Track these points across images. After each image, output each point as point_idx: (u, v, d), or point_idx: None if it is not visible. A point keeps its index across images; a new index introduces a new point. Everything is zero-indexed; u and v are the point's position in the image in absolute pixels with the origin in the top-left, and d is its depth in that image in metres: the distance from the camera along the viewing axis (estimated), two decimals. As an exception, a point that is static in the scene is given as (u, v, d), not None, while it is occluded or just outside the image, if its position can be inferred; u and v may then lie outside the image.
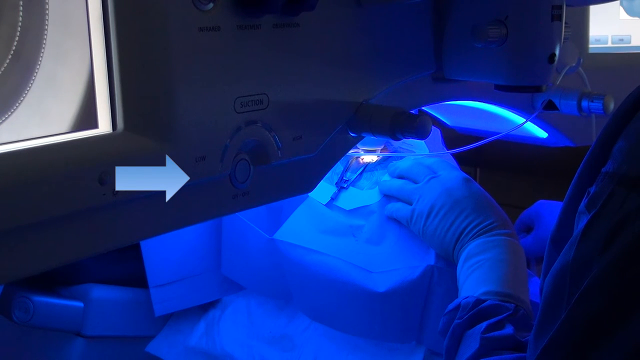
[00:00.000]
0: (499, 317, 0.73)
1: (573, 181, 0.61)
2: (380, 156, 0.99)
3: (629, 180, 0.52)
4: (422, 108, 0.99)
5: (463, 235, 0.83)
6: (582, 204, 0.56)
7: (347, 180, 0.98)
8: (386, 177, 0.96)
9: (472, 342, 0.72)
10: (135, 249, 1.05)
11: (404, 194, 0.91)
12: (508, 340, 0.71)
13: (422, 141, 1.01)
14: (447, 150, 1.01)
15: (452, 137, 1.13)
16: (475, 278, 0.79)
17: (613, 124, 0.57)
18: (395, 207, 0.91)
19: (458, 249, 0.84)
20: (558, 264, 0.55)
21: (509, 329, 0.71)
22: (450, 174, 0.90)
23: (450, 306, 0.77)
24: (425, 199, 0.88)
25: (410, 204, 0.90)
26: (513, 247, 0.82)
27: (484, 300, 0.75)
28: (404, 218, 0.90)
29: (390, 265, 0.89)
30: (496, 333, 0.71)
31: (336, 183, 0.98)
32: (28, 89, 0.54)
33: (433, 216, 0.86)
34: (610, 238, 0.51)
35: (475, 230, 0.83)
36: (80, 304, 1.02)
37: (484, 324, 0.72)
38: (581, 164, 0.60)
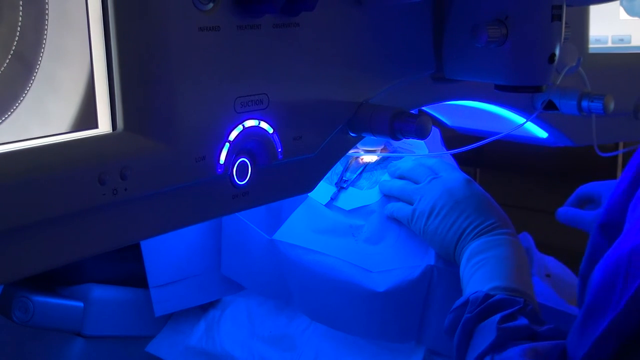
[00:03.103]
0: (511, 310, 0.73)
1: (628, 165, 0.60)
2: (380, 156, 0.99)
3: None
4: (422, 108, 0.99)
5: (464, 235, 0.83)
6: None
7: (347, 180, 0.98)
8: (386, 177, 0.96)
9: (487, 333, 0.72)
10: (135, 249, 1.05)
11: (405, 193, 0.91)
12: (524, 331, 0.71)
13: (422, 141, 1.01)
14: (447, 150, 1.01)
15: (452, 137, 1.13)
16: (481, 275, 0.79)
17: None
18: (396, 207, 0.91)
19: (459, 248, 0.84)
20: (614, 252, 0.55)
21: (523, 320, 0.71)
22: (452, 174, 0.90)
23: (458, 302, 0.77)
24: (427, 198, 0.88)
25: (411, 204, 0.90)
26: (516, 246, 0.82)
27: (493, 295, 0.75)
28: (405, 217, 0.90)
29: (389, 265, 0.89)
30: (512, 323, 0.71)
31: (336, 183, 0.98)
32: (28, 89, 0.54)
33: (434, 216, 0.86)
34: None
35: (476, 230, 0.83)
36: (80, 304, 1.02)
37: (497, 316, 0.72)
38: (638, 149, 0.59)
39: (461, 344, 0.74)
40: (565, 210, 1.12)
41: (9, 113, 0.53)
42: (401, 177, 0.94)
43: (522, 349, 0.67)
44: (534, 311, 0.74)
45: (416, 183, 0.92)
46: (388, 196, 0.94)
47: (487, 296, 0.75)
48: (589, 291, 0.57)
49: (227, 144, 0.64)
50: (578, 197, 1.12)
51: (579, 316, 0.57)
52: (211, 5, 0.61)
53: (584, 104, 0.94)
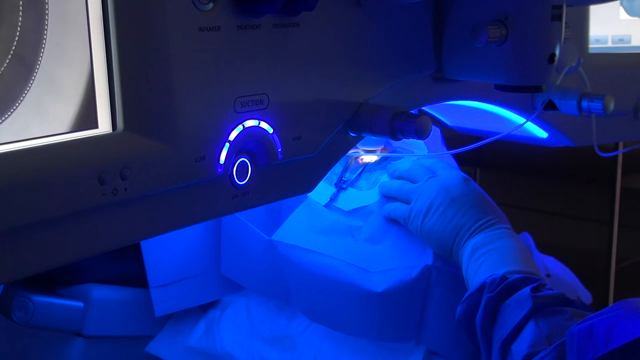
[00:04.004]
0: (536, 284, 0.73)
1: None
2: (380, 156, 0.99)
3: None
4: (422, 108, 0.99)
5: (462, 232, 0.84)
6: None
7: (346, 181, 0.98)
8: (385, 178, 0.97)
9: (521, 303, 0.72)
10: (135, 249, 1.05)
11: (402, 193, 0.91)
12: (559, 298, 0.70)
13: (422, 141, 1.02)
14: (447, 150, 1.01)
15: (452, 137, 1.13)
16: (490, 264, 0.79)
17: None
18: (393, 206, 0.92)
19: (457, 245, 0.84)
20: None
21: (555, 290, 0.71)
22: (449, 173, 0.90)
23: (472, 289, 0.77)
24: (424, 197, 0.88)
25: (409, 204, 0.90)
26: (518, 238, 0.82)
27: (510, 277, 0.75)
28: (402, 216, 0.90)
29: (388, 265, 0.89)
30: (545, 292, 0.71)
31: (335, 184, 0.98)
32: (28, 89, 0.54)
33: (431, 213, 0.86)
34: None
35: (475, 227, 0.83)
36: (80, 304, 1.02)
37: (527, 288, 0.72)
38: None
39: (485, 324, 0.74)
40: None
41: (9, 113, 0.53)
42: (399, 178, 0.95)
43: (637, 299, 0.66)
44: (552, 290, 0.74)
45: (414, 183, 0.92)
46: (387, 197, 0.94)
47: (504, 277, 0.75)
48: None
49: (227, 144, 0.64)
50: None
51: None
52: (211, 5, 0.61)
53: (584, 104, 0.94)
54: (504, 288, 0.74)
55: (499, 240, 0.81)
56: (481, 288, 0.76)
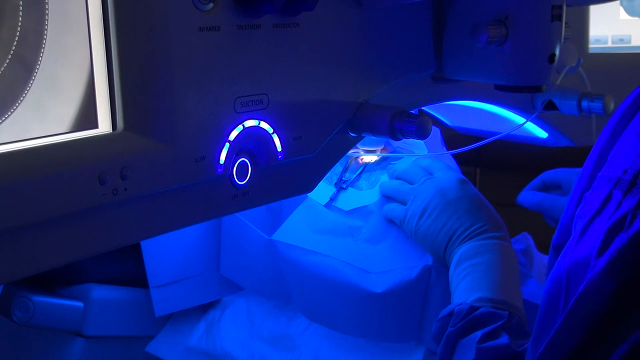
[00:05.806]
0: (494, 326, 0.72)
1: (573, 187, 0.61)
2: (380, 156, 0.99)
3: (624, 183, 0.52)
4: (422, 108, 0.99)
5: (455, 237, 0.83)
6: (579, 209, 0.56)
7: (346, 181, 0.98)
8: (385, 178, 0.97)
9: (467, 351, 0.72)
10: (135, 249, 1.05)
11: (399, 194, 0.91)
12: (504, 350, 0.70)
13: (422, 141, 1.02)
14: (447, 150, 1.01)
15: (452, 137, 1.13)
16: (467, 283, 0.78)
17: (610, 129, 0.57)
18: (390, 207, 0.92)
19: (450, 251, 0.84)
20: (556, 269, 0.55)
21: (504, 339, 0.71)
22: (446, 175, 0.90)
23: (444, 312, 0.77)
24: (420, 199, 0.88)
25: (406, 204, 0.90)
26: (504, 252, 0.81)
27: (478, 307, 0.74)
28: (398, 218, 0.90)
29: (388, 266, 0.88)
30: (492, 343, 0.71)
31: (335, 183, 0.98)
32: (28, 89, 0.54)
33: (426, 216, 0.86)
34: (606, 241, 0.51)
35: (466, 233, 0.83)
36: (80, 304, 1.02)
37: (479, 333, 0.72)
38: (582, 170, 0.60)
39: (444, 356, 0.74)
40: (531, 195, 1.09)
41: (9, 113, 0.53)
42: (398, 178, 0.95)
43: None
44: (519, 323, 0.74)
45: (411, 184, 0.92)
46: (387, 197, 0.94)
47: (471, 309, 0.74)
48: (539, 310, 0.57)
49: (227, 144, 0.64)
50: (543, 182, 1.09)
51: (532, 336, 0.57)
52: (211, 5, 0.61)
53: (584, 104, 0.94)
54: (466, 323, 0.74)
55: (484, 255, 0.80)
56: (449, 315, 0.76)
